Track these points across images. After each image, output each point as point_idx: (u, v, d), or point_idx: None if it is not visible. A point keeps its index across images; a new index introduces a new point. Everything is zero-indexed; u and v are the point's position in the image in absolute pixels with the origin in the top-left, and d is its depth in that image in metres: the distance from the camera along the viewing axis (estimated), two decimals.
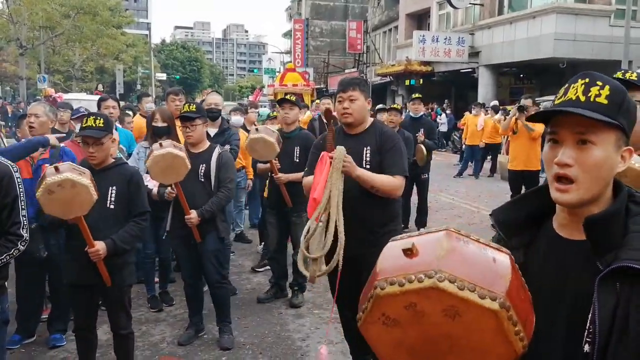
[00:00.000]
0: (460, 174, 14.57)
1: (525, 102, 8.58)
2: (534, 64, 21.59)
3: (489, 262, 1.09)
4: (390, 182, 3.44)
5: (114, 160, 3.70)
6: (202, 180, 4.38)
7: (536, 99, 15.82)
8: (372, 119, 3.67)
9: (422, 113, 8.36)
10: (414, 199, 8.31)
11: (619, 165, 1.30)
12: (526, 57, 20.49)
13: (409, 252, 1.08)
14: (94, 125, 3.47)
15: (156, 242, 5.34)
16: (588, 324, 1.22)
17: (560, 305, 1.31)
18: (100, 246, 3.37)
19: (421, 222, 8.34)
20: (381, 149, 3.51)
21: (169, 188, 4.34)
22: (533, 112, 6.80)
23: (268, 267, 6.13)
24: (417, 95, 8.68)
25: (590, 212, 1.29)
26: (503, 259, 1.12)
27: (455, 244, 1.10)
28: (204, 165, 4.39)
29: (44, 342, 4.51)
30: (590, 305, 1.22)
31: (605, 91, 1.25)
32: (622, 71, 2.36)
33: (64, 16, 33.26)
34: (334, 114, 3.87)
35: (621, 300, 1.19)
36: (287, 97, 5.44)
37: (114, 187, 3.52)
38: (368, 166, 3.47)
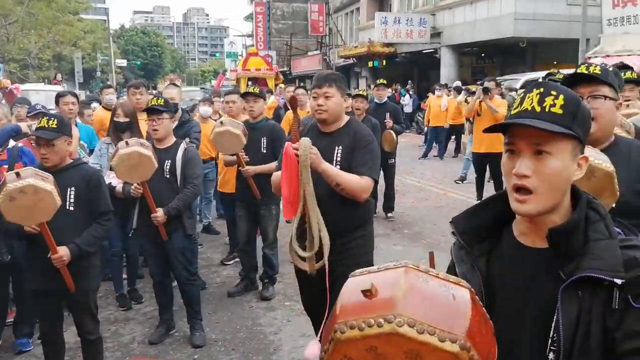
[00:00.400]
0: (425, 155, 14.69)
1: (489, 84, 8.66)
2: (495, 43, 21.82)
3: (449, 300, 1.09)
4: (358, 182, 3.24)
5: (72, 160, 3.60)
6: (168, 176, 4.31)
7: (497, 78, 16.03)
8: (348, 117, 3.53)
9: (386, 99, 8.37)
10: (381, 184, 8.34)
11: (575, 174, 1.33)
12: (487, 36, 20.69)
13: (368, 294, 1.07)
14: (46, 126, 3.36)
15: (123, 239, 5.24)
16: (552, 332, 1.25)
17: (525, 313, 1.33)
18: (63, 252, 3.29)
19: (388, 207, 8.40)
20: (354, 148, 3.35)
21: (135, 185, 4.26)
22: (497, 94, 6.83)
23: (237, 260, 6.11)
24: (381, 81, 8.68)
25: (551, 220, 1.32)
26: (463, 294, 1.12)
27: (414, 282, 1.10)
28: (170, 161, 4.32)
29: (10, 347, 4.41)
30: (554, 312, 1.25)
31: (560, 101, 1.28)
32: (586, 64, 2.33)
33: (17, 3, 32.04)
34: (306, 108, 3.80)
35: (583, 309, 1.23)
36: (252, 89, 5.39)
37: (72, 188, 3.43)
38: (338, 166, 3.31)
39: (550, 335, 1.26)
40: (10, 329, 4.54)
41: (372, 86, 25.02)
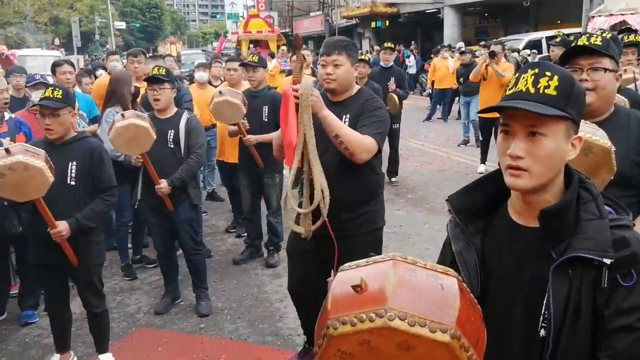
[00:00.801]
0: (429, 118, 14.56)
1: (495, 48, 8.51)
2: (499, 2, 21.46)
3: (438, 290, 1.12)
4: (359, 139, 2.98)
5: (75, 134, 3.54)
6: (172, 146, 4.26)
7: (500, 38, 15.75)
8: (359, 87, 3.30)
9: (392, 63, 8.21)
10: (385, 149, 8.27)
11: (569, 154, 1.34)
12: None
13: (358, 289, 1.09)
14: (51, 96, 3.31)
15: (133, 208, 5.21)
16: (543, 310, 1.31)
17: (518, 290, 1.38)
18: (62, 227, 3.25)
19: (392, 172, 8.37)
20: (361, 114, 3.13)
21: (134, 157, 4.20)
22: (508, 58, 6.70)
23: (241, 228, 6.12)
24: (389, 44, 8.51)
25: (544, 199, 1.34)
26: (451, 283, 1.14)
27: (403, 275, 1.12)
28: (173, 131, 4.26)
29: (16, 319, 4.44)
30: (545, 290, 1.30)
31: (554, 82, 1.28)
32: (587, 35, 2.28)
33: None
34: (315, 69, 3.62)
35: (573, 287, 1.28)
36: (250, 58, 5.29)
37: (74, 163, 3.37)
38: None
39: (542, 313, 1.31)
40: (15, 301, 4.55)
41: (374, 47, 24.75)
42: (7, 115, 4.32)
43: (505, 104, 1.30)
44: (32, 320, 4.38)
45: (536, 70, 1.31)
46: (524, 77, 1.31)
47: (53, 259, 3.39)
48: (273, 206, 5.38)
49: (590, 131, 1.85)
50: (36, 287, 4.39)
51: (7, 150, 3.02)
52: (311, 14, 36.80)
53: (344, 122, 3.11)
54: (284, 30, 35.16)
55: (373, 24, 27.20)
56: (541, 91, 1.28)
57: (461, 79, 10.74)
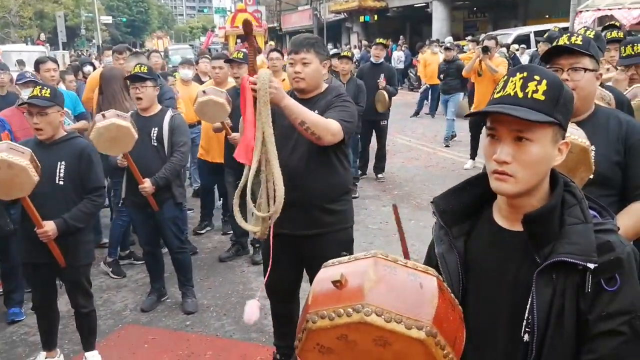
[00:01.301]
0: (416, 113, 14.61)
1: (489, 43, 8.51)
2: None
3: (416, 288, 1.14)
4: (324, 121, 2.89)
5: (65, 133, 3.54)
6: (155, 144, 4.27)
7: (489, 33, 15.81)
8: (327, 85, 3.27)
9: (382, 59, 8.21)
10: (373, 144, 8.33)
11: (556, 159, 1.33)
12: None
13: (338, 284, 1.12)
14: (39, 94, 3.31)
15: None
16: (527, 314, 1.29)
17: (501, 294, 1.36)
18: (49, 227, 3.27)
19: (379, 168, 8.41)
20: (328, 106, 3.06)
21: (120, 156, 4.21)
22: (496, 53, 6.66)
23: (209, 229, 6.29)
24: (380, 40, 8.48)
25: (529, 203, 1.33)
26: (430, 282, 1.16)
27: (382, 273, 1.14)
28: (156, 128, 4.27)
29: (3, 317, 4.44)
30: (529, 295, 1.28)
31: (543, 86, 1.27)
32: (568, 34, 2.29)
33: None
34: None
35: (557, 292, 1.26)
36: (235, 55, 5.29)
37: (63, 162, 3.38)
38: None
39: (525, 317, 1.29)
40: (1, 300, 4.55)
41: (363, 42, 24.71)
42: None
43: (492, 109, 1.29)
44: (18, 318, 4.39)
45: (525, 74, 1.29)
46: (512, 81, 1.30)
47: (42, 257, 3.40)
48: None
49: (569, 130, 1.87)
50: (23, 285, 4.39)
51: None
52: (299, 8, 36.69)
53: None
54: (271, 25, 35.04)
55: (361, 19, 27.15)
56: (529, 96, 1.27)
57: (441, 76, 10.66)
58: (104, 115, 3.86)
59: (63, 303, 4.24)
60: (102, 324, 4.27)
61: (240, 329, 4.18)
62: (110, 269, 5.25)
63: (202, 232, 6.32)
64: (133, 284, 5.07)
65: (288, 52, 3.20)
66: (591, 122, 2.26)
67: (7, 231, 4.17)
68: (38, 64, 5.28)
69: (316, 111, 3.04)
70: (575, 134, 1.89)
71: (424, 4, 24.15)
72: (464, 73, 8.84)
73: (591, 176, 1.98)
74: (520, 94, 1.27)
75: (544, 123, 1.26)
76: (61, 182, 3.38)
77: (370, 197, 7.51)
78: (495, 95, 1.33)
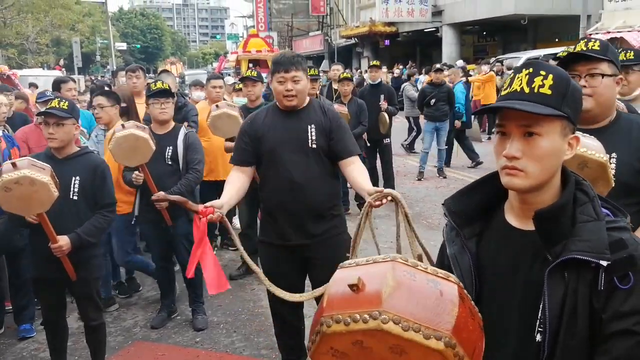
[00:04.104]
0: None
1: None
2: (497, 21, 21.62)
3: (436, 296, 1.09)
4: (363, 172, 3.15)
5: (79, 148, 3.59)
6: (170, 163, 4.28)
7: (499, 57, 15.90)
8: (309, 98, 3.33)
9: (380, 79, 8.34)
10: (379, 164, 8.36)
11: (566, 153, 1.32)
12: (488, 14, 20.53)
13: (354, 288, 1.08)
14: (57, 106, 3.35)
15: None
16: (539, 314, 1.26)
17: (513, 295, 1.34)
18: (63, 242, 3.28)
19: (388, 187, 8.38)
20: (331, 131, 3.18)
21: (136, 172, 4.21)
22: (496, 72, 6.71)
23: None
24: (375, 62, 8.71)
25: (541, 200, 1.32)
26: (450, 290, 1.12)
27: (401, 278, 1.10)
28: (171, 147, 4.29)
29: (14, 333, 4.45)
30: (541, 294, 1.26)
31: (549, 81, 1.27)
32: (585, 40, 2.27)
33: None
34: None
35: (569, 290, 1.24)
36: (249, 73, 5.34)
37: (77, 177, 3.40)
38: (314, 146, 3.16)
39: (538, 317, 1.27)
40: (12, 316, 4.55)
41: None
42: (0, 132, 4.37)
43: (499, 104, 1.28)
44: (29, 335, 4.39)
45: (530, 70, 1.29)
46: (518, 77, 1.30)
47: (53, 272, 3.41)
48: None
49: (584, 144, 1.80)
50: (34, 301, 4.40)
51: (13, 165, 3.04)
52: (310, 34, 37.15)
53: (310, 132, 3.16)
54: (283, 50, 35.40)
55: (381, 43, 27.20)
56: (536, 90, 1.26)
57: (432, 101, 9.52)
58: (123, 126, 3.91)
59: (73, 320, 4.28)
60: (111, 340, 4.26)
61: (250, 346, 4.15)
62: (117, 291, 5.22)
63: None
64: (143, 302, 5.06)
65: (273, 70, 3.18)
66: (613, 128, 2.21)
67: (17, 248, 4.20)
68: (59, 83, 5.36)
69: (313, 125, 3.17)
70: (593, 149, 1.84)
71: (434, 29, 24.34)
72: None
73: (612, 184, 1.91)
74: (527, 89, 1.27)
75: (552, 117, 1.25)
76: (75, 197, 3.40)
77: (381, 217, 7.47)
78: (502, 93, 1.32)
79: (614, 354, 1.22)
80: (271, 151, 3.20)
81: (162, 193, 4.10)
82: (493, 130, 13.39)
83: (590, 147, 1.83)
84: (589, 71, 2.17)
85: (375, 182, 8.42)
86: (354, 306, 1.06)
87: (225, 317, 4.65)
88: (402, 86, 13.32)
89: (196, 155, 4.35)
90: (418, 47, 29.25)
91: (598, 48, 2.18)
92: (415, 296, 1.07)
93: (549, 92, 1.26)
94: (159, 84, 4.31)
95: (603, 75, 2.17)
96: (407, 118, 12.70)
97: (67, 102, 3.41)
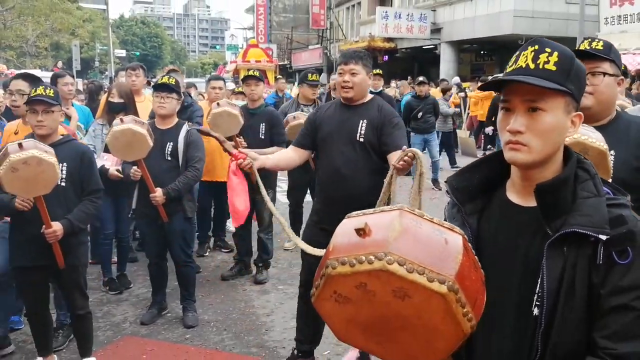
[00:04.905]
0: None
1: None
2: (494, 40, 21.83)
3: (441, 243, 1.11)
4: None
5: (61, 136, 3.57)
6: (169, 159, 4.27)
7: (497, 75, 16.01)
8: (371, 96, 3.57)
9: (381, 88, 8.41)
10: None
11: (569, 130, 1.34)
12: (486, 33, 20.73)
13: (361, 232, 1.09)
14: (44, 93, 3.32)
15: (116, 222, 5.21)
16: (537, 288, 1.27)
17: (512, 270, 1.35)
18: (57, 227, 3.27)
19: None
20: (382, 126, 3.36)
21: (134, 167, 4.20)
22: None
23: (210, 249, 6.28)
24: (377, 71, 8.73)
25: (542, 176, 1.33)
26: (455, 239, 1.13)
27: (408, 225, 1.11)
28: (171, 143, 4.28)
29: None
30: (540, 269, 1.26)
31: (554, 58, 1.29)
32: (589, 39, 2.32)
33: None
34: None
35: (568, 264, 1.25)
36: (252, 72, 5.35)
37: (65, 164, 3.38)
38: (362, 139, 3.35)
39: (536, 291, 1.28)
40: None
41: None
42: None
43: (505, 77, 1.31)
44: (17, 327, 4.33)
45: (536, 47, 1.31)
46: (524, 54, 1.32)
47: (37, 260, 3.37)
48: (264, 222, 5.41)
49: (585, 133, 1.85)
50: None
51: (20, 145, 3.03)
52: (310, 47, 37.33)
53: (361, 127, 3.38)
54: (282, 63, 35.56)
55: (380, 59, 27.37)
56: (541, 66, 1.28)
57: (419, 114, 9.64)
58: (122, 120, 3.90)
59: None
60: (100, 334, 4.23)
61: (240, 344, 4.12)
62: (107, 287, 5.18)
63: (205, 254, 6.25)
64: (134, 299, 5.02)
65: (337, 63, 3.54)
66: (611, 127, 2.24)
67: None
68: (56, 77, 5.34)
69: (365, 120, 3.39)
70: (593, 137, 1.88)
71: (433, 46, 24.53)
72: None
73: (611, 173, 1.94)
74: (532, 65, 1.29)
75: (557, 92, 1.27)
76: (63, 184, 3.37)
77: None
78: (508, 69, 1.34)
79: (612, 329, 1.22)
80: (323, 140, 3.50)
81: (159, 190, 4.12)
82: (488, 146, 13.45)
83: (591, 136, 1.86)
84: (592, 69, 2.19)
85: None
86: (360, 249, 1.07)
87: (216, 316, 4.62)
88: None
89: (197, 153, 4.33)
90: (416, 64, 29.42)
91: (601, 48, 2.24)
92: (421, 242, 1.09)
93: (553, 68, 1.28)
94: (164, 79, 4.31)
95: (605, 74, 2.21)
96: (437, 132, 12.61)
97: (52, 89, 3.40)
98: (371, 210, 1.20)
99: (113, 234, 5.23)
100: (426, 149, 9.84)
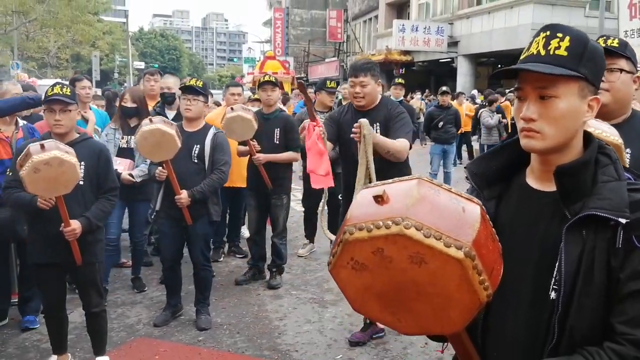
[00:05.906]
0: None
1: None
2: (512, 53, 21.68)
3: (458, 211, 1.10)
4: (400, 144, 3.73)
5: (78, 135, 3.61)
6: (196, 161, 4.29)
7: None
8: (380, 96, 4.01)
9: (402, 98, 8.42)
10: None
11: (586, 115, 1.31)
12: (504, 47, 20.64)
13: (379, 200, 1.09)
14: (61, 92, 3.37)
15: (130, 227, 5.24)
16: (555, 272, 1.25)
17: (530, 253, 1.33)
18: (76, 225, 3.30)
19: None
20: (389, 121, 3.86)
21: (160, 168, 4.21)
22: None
23: (230, 254, 6.31)
24: (399, 80, 8.79)
25: (561, 161, 1.31)
26: (473, 208, 1.13)
27: (426, 193, 1.11)
28: (198, 146, 4.30)
29: (17, 325, 4.42)
30: (558, 253, 1.25)
31: (566, 42, 1.27)
32: (604, 37, 2.31)
33: (37, 1, 32.51)
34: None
35: (586, 248, 1.23)
36: (268, 78, 5.37)
37: (83, 163, 3.41)
38: None
39: (553, 275, 1.26)
40: (16, 308, 4.53)
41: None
42: (20, 122, 4.42)
43: (513, 66, 1.29)
44: (33, 326, 4.36)
45: (548, 33, 1.29)
46: (536, 41, 1.30)
47: (55, 257, 3.41)
48: (279, 227, 5.40)
49: (599, 127, 1.83)
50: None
51: (41, 146, 3.05)
52: (326, 59, 37.53)
53: (376, 129, 3.79)
54: (299, 75, 35.76)
55: (396, 72, 27.46)
56: (552, 52, 1.27)
57: (440, 123, 9.59)
58: (151, 120, 3.93)
59: (77, 315, 4.26)
60: (114, 335, 4.24)
61: (253, 347, 4.11)
62: (134, 285, 5.26)
63: (220, 259, 6.26)
64: (148, 301, 5.04)
65: (348, 75, 3.99)
66: (627, 126, 2.22)
67: (24, 237, 4.19)
68: (74, 81, 5.42)
69: (378, 123, 3.85)
70: (608, 132, 1.86)
71: (449, 59, 24.52)
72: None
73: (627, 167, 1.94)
74: (543, 52, 1.28)
75: (568, 78, 1.25)
76: (81, 182, 3.39)
77: None
78: (521, 57, 1.33)
79: (631, 314, 1.20)
80: (343, 143, 4.03)
81: (185, 192, 4.13)
82: None
83: (606, 130, 1.85)
84: (608, 66, 2.15)
85: None
86: (378, 216, 1.08)
87: (229, 319, 4.61)
88: (480, 112, 12.93)
89: (223, 156, 4.35)
90: (433, 77, 29.42)
91: (617, 45, 2.23)
92: (439, 209, 1.08)
93: (565, 53, 1.26)
94: (192, 81, 4.35)
95: (621, 71, 2.20)
96: (482, 145, 12.47)
97: (68, 88, 3.45)
98: (390, 180, 1.19)
99: (117, 239, 5.21)
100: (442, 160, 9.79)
